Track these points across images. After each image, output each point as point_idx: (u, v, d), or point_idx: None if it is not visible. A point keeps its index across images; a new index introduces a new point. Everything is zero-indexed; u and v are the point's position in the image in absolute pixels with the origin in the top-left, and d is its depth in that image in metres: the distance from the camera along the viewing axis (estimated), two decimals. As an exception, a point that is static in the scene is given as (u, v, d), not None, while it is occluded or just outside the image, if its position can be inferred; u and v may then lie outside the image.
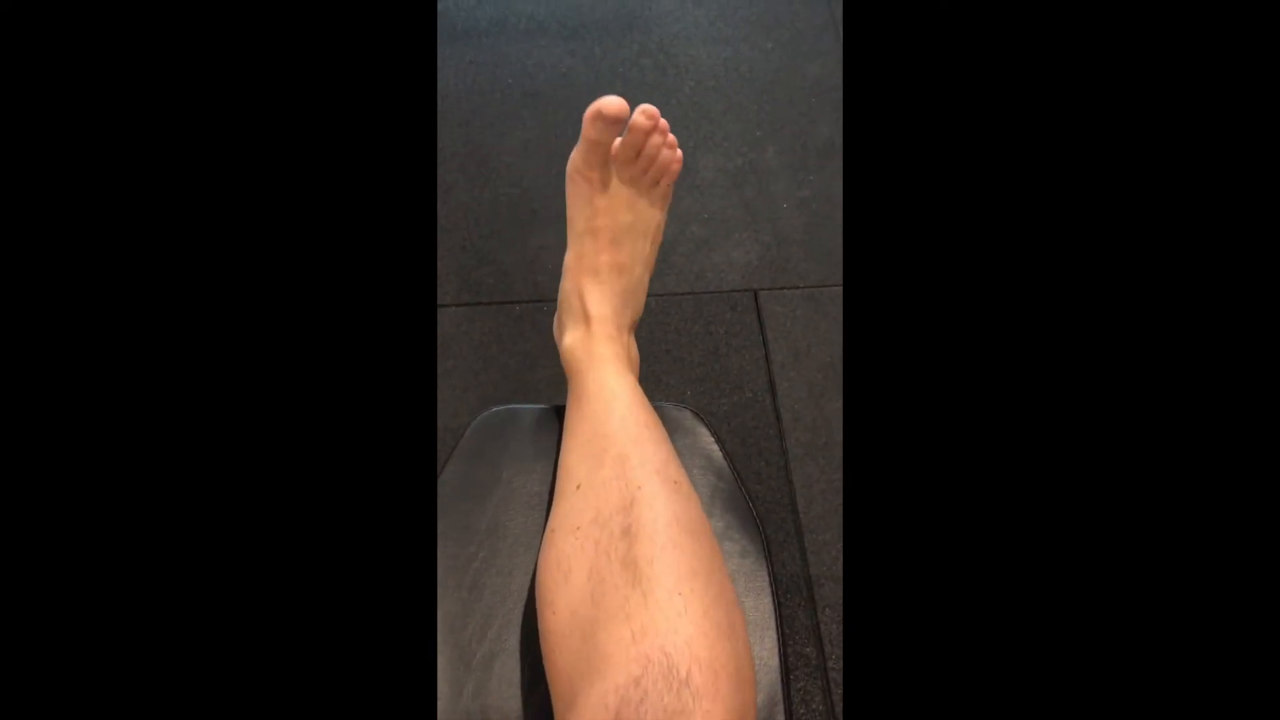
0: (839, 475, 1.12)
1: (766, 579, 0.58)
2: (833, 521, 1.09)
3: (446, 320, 1.27)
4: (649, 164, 0.58)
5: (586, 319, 0.61)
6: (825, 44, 1.63)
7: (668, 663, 0.40)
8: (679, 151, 0.60)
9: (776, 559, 1.06)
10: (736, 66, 1.59)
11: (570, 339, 0.62)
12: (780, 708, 0.53)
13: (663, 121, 0.57)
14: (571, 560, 0.47)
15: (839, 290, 1.30)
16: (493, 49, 1.61)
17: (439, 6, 1.67)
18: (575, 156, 0.59)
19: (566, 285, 0.63)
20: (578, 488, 0.51)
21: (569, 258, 0.63)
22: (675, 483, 0.50)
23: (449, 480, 0.62)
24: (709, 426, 0.66)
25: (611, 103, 0.53)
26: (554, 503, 0.54)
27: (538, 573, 0.51)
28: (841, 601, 1.03)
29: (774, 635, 0.56)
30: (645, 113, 0.56)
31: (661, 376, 1.21)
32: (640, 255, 0.62)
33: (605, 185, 0.59)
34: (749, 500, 0.62)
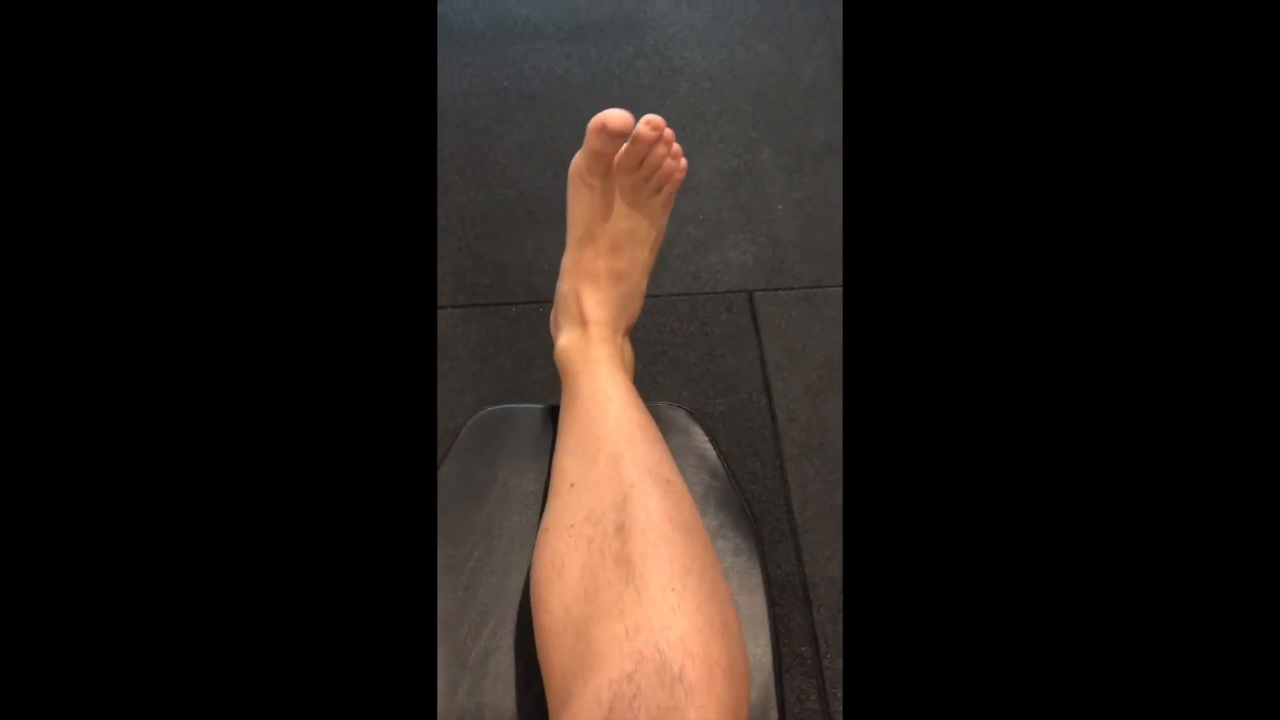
0: (834, 475, 1.12)
1: (760, 577, 0.58)
2: (828, 522, 1.09)
3: (443, 321, 1.27)
4: (651, 172, 0.58)
5: (583, 322, 0.62)
6: (820, 47, 1.63)
7: (661, 659, 0.40)
8: (683, 160, 0.59)
9: (771, 559, 1.06)
10: (732, 69, 1.60)
11: (566, 340, 0.62)
12: (774, 704, 0.54)
13: (668, 131, 0.56)
14: (565, 558, 0.48)
15: (834, 291, 1.31)
16: (489, 51, 1.62)
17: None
18: (578, 161, 0.58)
19: (564, 287, 0.64)
20: (571, 486, 0.52)
21: (567, 260, 0.63)
22: (668, 481, 0.51)
23: (445, 480, 0.63)
24: (702, 425, 0.67)
25: (616, 116, 0.53)
26: (548, 501, 0.54)
27: (532, 571, 0.51)
28: (836, 601, 1.03)
29: (767, 633, 0.56)
30: (650, 123, 0.55)
31: (657, 377, 1.22)
32: (639, 262, 0.62)
33: (607, 192, 0.59)
34: (742, 498, 0.63)
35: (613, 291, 0.62)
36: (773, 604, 0.58)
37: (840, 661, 0.99)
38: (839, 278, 1.32)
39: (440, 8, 1.68)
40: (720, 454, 0.65)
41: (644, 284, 0.64)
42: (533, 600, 0.50)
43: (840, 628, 1.01)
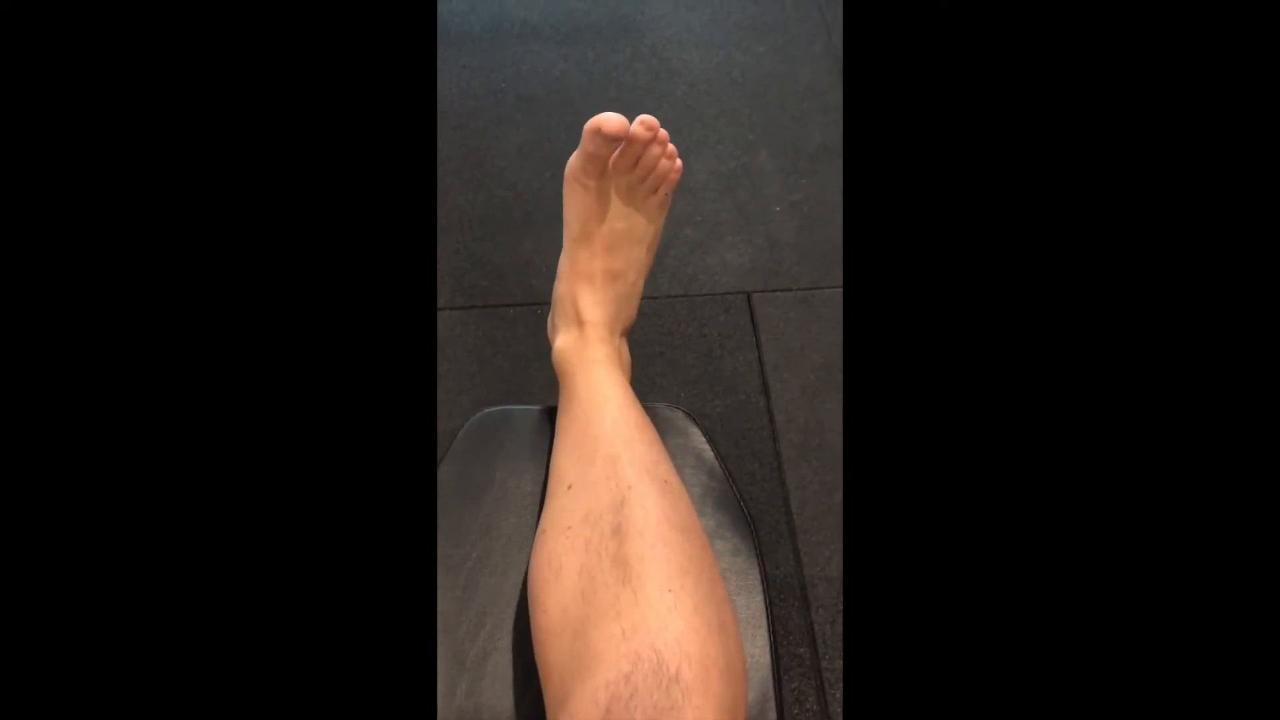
0: (831, 476, 1.12)
1: (758, 577, 0.59)
2: (826, 522, 1.09)
3: (441, 323, 1.27)
4: (647, 173, 0.58)
5: (580, 323, 0.62)
6: (817, 49, 1.64)
7: (658, 659, 0.40)
8: (678, 161, 0.60)
9: (770, 560, 1.06)
10: (729, 71, 1.60)
11: (563, 341, 0.62)
12: (772, 705, 0.54)
13: (662, 132, 0.57)
14: (562, 559, 0.48)
15: (832, 292, 1.31)
16: (487, 53, 1.62)
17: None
18: (573, 162, 0.59)
19: (561, 288, 0.64)
20: (569, 488, 0.52)
21: (564, 261, 0.63)
22: (665, 482, 0.51)
23: (443, 481, 0.63)
24: (700, 426, 0.67)
25: (611, 120, 0.53)
26: (545, 503, 0.54)
27: (529, 572, 0.51)
28: (834, 602, 1.03)
29: (765, 633, 0.56)
30: (644, 124, 0.55)
31: (656, 379, 1.22)
32: (635, 262, 0.62)
33: (602, 192, 0.59)
34: (740, 499, 0.63)
35: (609, 291, 0.62)
36: (770, 604, 0.58)
37: (839, 662, 0.99)
38: (837, 279, 1.32)
39: (439, 10, 1.68)
40: (718, 455, 0.65)
41: (641, 284, 0.64)
42: (530, 601, 0.50)
43: (839, 628, 1.01)
